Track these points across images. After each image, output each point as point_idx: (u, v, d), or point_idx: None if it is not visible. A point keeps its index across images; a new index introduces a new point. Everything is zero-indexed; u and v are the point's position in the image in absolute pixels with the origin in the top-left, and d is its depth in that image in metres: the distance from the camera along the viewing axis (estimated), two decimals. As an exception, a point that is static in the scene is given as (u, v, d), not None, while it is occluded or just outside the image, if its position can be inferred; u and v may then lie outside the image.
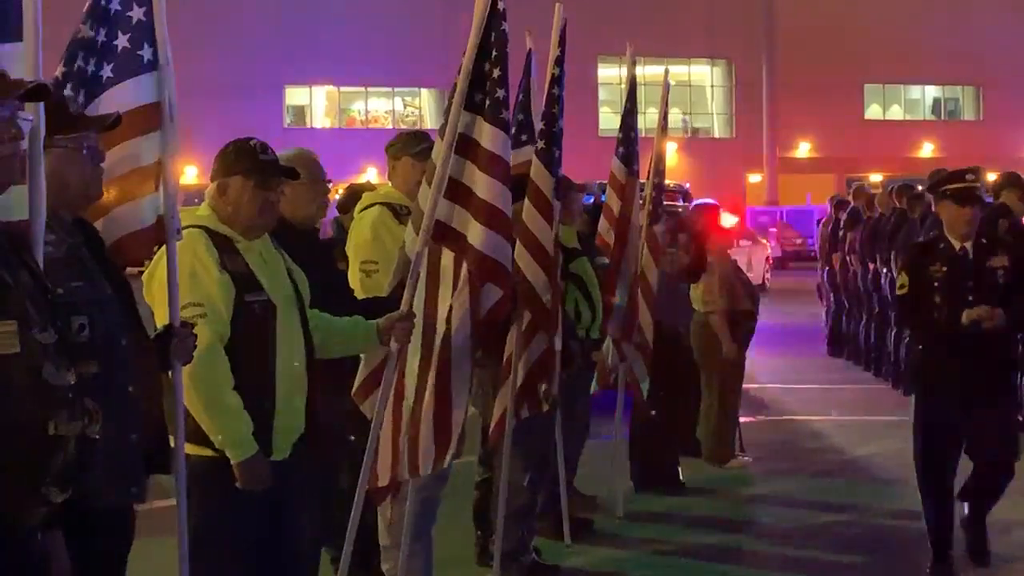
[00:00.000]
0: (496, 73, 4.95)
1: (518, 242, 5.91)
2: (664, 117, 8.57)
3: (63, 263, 3.49)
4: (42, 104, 3.28)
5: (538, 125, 6.35)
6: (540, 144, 6.23)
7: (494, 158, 4.96)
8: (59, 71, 3.91)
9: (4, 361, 2.70)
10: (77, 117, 3.67)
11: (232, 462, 4.13)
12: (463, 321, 4.94)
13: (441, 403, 4.93)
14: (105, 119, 3.77)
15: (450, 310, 4.94)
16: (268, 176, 4.35)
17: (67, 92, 3.85)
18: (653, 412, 8.25)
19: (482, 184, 4.95)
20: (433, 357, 4.92)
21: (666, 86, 8.64)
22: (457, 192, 4.94)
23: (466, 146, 4.94)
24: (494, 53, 4.94)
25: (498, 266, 5.02)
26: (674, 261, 8.99)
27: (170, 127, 4.02)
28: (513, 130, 6.57)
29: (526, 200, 6.06)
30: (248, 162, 4.32)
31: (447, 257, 4.96)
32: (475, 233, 4.95)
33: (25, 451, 2.71)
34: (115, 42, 3.94)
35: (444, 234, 4.93)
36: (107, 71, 3.92)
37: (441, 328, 4.93)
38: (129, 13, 3.96)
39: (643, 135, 8.22)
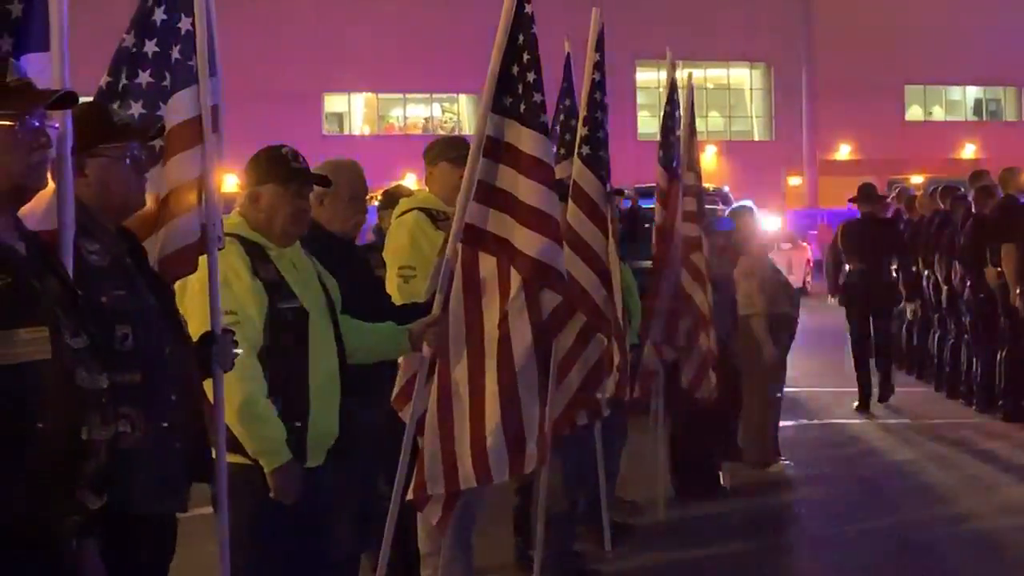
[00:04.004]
0: (531, 77, 4.90)
1: (565, 245, 5.89)
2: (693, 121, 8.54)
3: (107, 272, 3.51)
4: (69, 112, 3.30)
5: (581, 131, 6.34)
6: (586, 149, 6.21)
7: (536, 162, 4.90)
8: (103, 81, 3.93)
9: (36, 367, 2.71)
10: (121, 126, 3.68)
11: (265, 470, 4.14)
12: (522, 328, 4.88)
13: (509, 411, 4.85)
14: (148, 128, 3.79)
15: (504, 317, 4.88)
16: (301, 184, 4.36)
17: (140, 107, 3.86)
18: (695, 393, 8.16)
19: (526, 189, 4.89)
20: (487, 365, 4.85)
21: (691, 88, 8.58)
22: (491, 196, 4.90)
23: (497, 149, 4.89)
24: (525, 57, 4.91)
25: (551, 270, 4.96)
26: (723, 264, 8.99)
27: (212, 137, 4.03)
28: (568, 136, 6.60)
29: (572, 204, 6.04)
30: (281, 170, 4.34)
31: (488, 262, 4.91)
32: (524, 238, 4.88)
33: (58, 456, 2.72)
34: (169, 52, 3.96)
35: (480, 238, 4.89)
36: (167, 81, 3.94)
37: (493, 335, 4.86)
38: (179, 24, 3.98)
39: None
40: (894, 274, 12.44)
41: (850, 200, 12.59)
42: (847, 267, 12.41)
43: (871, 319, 12.25)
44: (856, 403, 12.06)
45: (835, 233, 12.86)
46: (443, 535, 5.23)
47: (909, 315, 12.97)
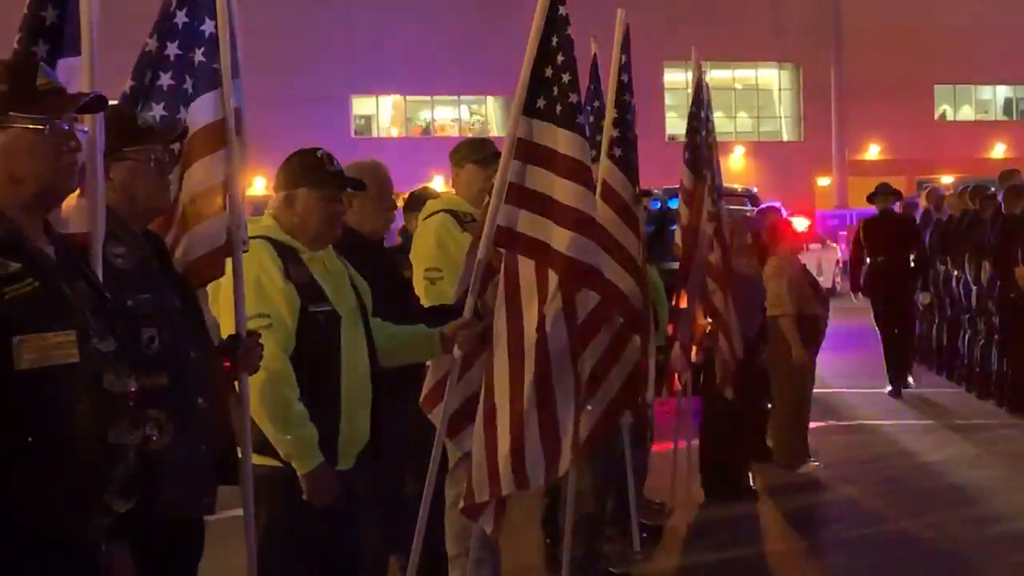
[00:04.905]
0: (566, 78, 4.86)
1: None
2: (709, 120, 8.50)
3: (133, 275, 3.52)
4: (100, 115, 3.31)
5: (610, 132, 6.32)
6: (617, 151, 6.20)
7: (574, 163, 4.85)
8: (127, 85, 3.94)
9: (64, 370, 2.72)
10: (144, 129, 3.70)
11: (298, 473, 4.14)
12: (558, 330, 4.84)
13: (545, 414, 4.83)
14: (172, 131, 3.80)
15: (541, 319, 4.85)
16: (335, 188, 4.36)
17: (161, 110, 3.87)
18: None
19: (563, 190, 4.84)
20: (526, 368, 4.83)
21: (706, 88, 8.55)
22: (523, 198, 4.88)
23: (529, 152, 4.86)
24: (560, 58, 4.87)
25: (591, 270, 4.92)
26: (750, 263, 8.96)
27: (236, 140, 4.03)
28: (598, 138, 6.58)
29: (603, 205, 6.01)
30: (315, 174, 4.33)
31: (526, 265, 4.88)
32: (561, 239, 4.83)
33: (86, 461, 2.73)
34: (191, 56, 3.97)
35: (512, 240, 4.88)
36: (188, 85, 3.95)
37: (531, 338, 4.83)
38: (202, 27, 3.99)
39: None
40: (911, 265, 13.31)
41: (868, 198, 13.54)
42: (868, 260, 13.35)
43: (893, 309, 13.16)
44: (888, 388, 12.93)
45: (856, 230, 13.84)
46: (495, 536, 5.21)
47: (922, 302, 13.63)
